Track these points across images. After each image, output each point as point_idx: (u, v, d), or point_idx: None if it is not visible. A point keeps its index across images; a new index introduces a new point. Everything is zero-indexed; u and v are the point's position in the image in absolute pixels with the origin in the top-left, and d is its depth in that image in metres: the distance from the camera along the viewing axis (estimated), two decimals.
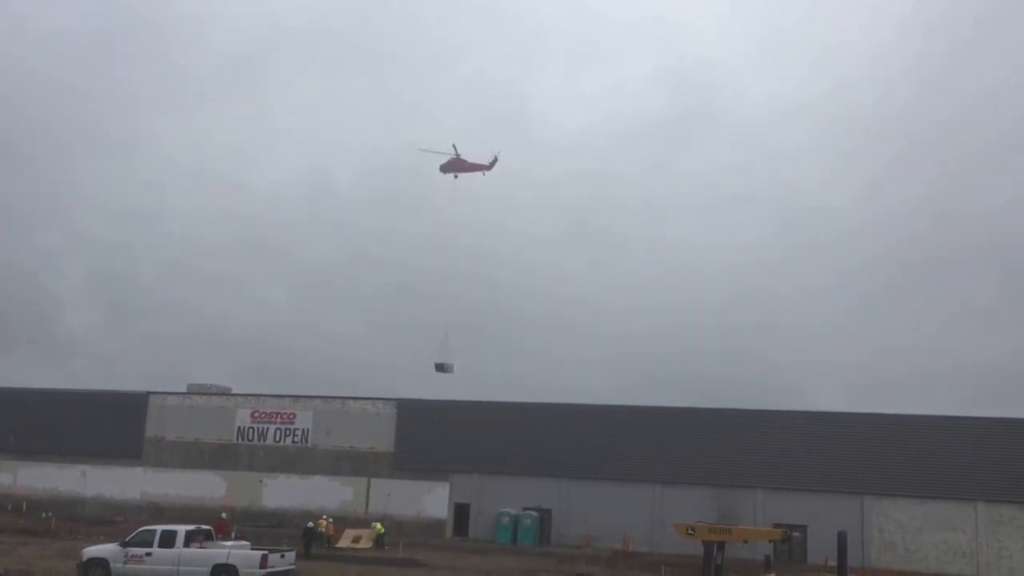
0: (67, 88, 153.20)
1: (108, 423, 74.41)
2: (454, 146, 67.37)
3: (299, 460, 70.75)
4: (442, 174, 69.57)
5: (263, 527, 63.27)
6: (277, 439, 71.61)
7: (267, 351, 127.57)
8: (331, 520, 58.48)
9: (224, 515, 54.10)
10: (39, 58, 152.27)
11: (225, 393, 76.21)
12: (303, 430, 71.24)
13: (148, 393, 75.84)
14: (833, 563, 45.31)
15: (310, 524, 50.48)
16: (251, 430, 72.28)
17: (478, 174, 68.64)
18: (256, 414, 72.47)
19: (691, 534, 26.89)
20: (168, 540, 33.29)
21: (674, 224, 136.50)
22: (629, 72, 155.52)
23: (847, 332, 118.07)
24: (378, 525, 58.79)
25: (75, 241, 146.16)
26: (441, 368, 68.40)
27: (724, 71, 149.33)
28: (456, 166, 68.37)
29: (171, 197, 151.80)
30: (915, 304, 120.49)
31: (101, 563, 33.45)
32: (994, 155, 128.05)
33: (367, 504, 67.78)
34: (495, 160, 67.81)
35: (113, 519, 66.40)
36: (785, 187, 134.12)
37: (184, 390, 77.07)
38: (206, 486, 71.32)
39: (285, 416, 71.80)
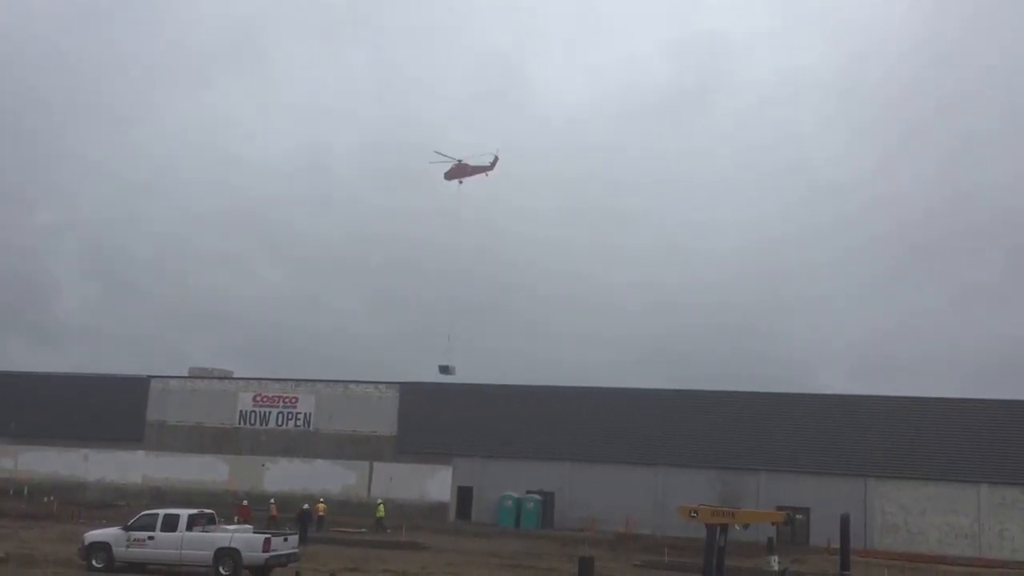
0: (63, 60, 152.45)
1: (109, 407, 74.37)
2: (438, 152, 69.43)
3: (301, 444, 70.75)
4: (446, 181, 71.27)
5: (265, 511, 63.22)
6: (279, 423, 71.62)
7: (268, 331, 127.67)
8: (274, 503, 57.61)
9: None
10: (34, 29, 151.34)
11: (227, 377, 76.20)
12: (305, 414, 71.22)
13: (149, 377, 75.82)
14: (836, 546, 45.27)
15: (305, 506, 50.46)
16: (253, 414, 72.28)
17: (481, 175, 70.09)
18: (258, 398, 72.46)
19: (694, 517, 26.76)
20: (171, 524, 33.13)
21: (679, 202, 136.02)
22: (634, 45, 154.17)
23: (853, 312, 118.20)
24: (380, 508, 58.76)
25: (72, 218, 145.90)
26: (445, 370, 69.77)
27: (732, 44, 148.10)
28: (459, 172, 70.07)
29: (170, 171, 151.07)
30: (922, 284, 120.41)
31: (103, 547, 33.30)
32: (1003, 132, 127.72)
33: (369, 488, 67.83)
34: (495, 160, 69.15)
35: (115, 503, 66.42)
36: (793, 164, 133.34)
37: (185, 373, 77.15)
38: (208, 470, 71.37)
39: (287, 400, 71.80)
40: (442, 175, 70.72)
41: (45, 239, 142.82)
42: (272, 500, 57.08)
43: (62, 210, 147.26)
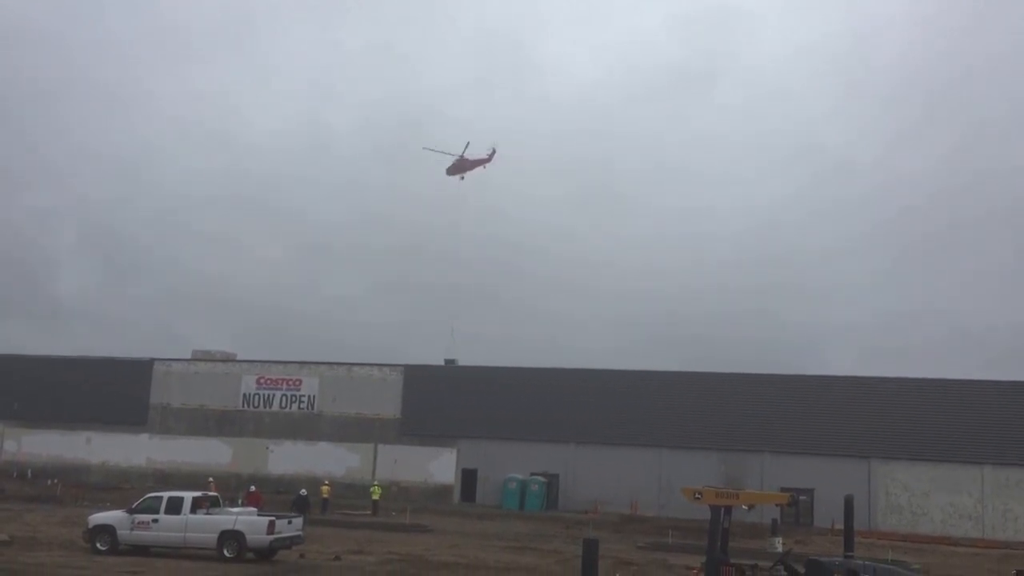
0: (56, 41, 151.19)
1: (113, 390, 74.43)
2: (427, 148, 71.64)
3: (305, 426, 70.79)
4: (448, 176, 73.35)
5: (269, 494, 63.28)
6: (283, 405, 71.65)
7: (270, 313, 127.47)
8: (212, 481, 57.53)
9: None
10: (27, 9, 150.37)
11: (230, 359, 76.17)
12: (309, 396, 71.24)
13: (152, 360, 75.83)
14: (840, 526, 45.24)
15: (303, 492, 50.41)
16: (257, 396, 72.31)
17: (480, 168, 72.10)
18: (262, 380, 72.45)
19: (698, 499, 26.68)
20: (174, 506, 33.09)
21: (685, 184, 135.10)
22: (639, 22, 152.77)
23: (863, 294, 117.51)
24: (375, 490, 58.69)
25: (70, 200, 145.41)
26: (451, 364, 71.15)
27: (741, 20, 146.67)
28: (460, 167, 71.93)
29: (167, 152, 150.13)
30: (932, 268, 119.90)
31: (107, 530, 33.30)
32: (1016, 116, 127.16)
33: (374, 470, 67.86)
34: (493, 152, 71.24)
35: (119, 486, 66.50)
36: (804, 147, 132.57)
37: (187, 355, 77.13)
38: (212, 453, 71.41)
39: (291, 382, 71.81)
40: (440, 163, 72.33)
41: (43, 222, 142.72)
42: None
43: (60, 192, 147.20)
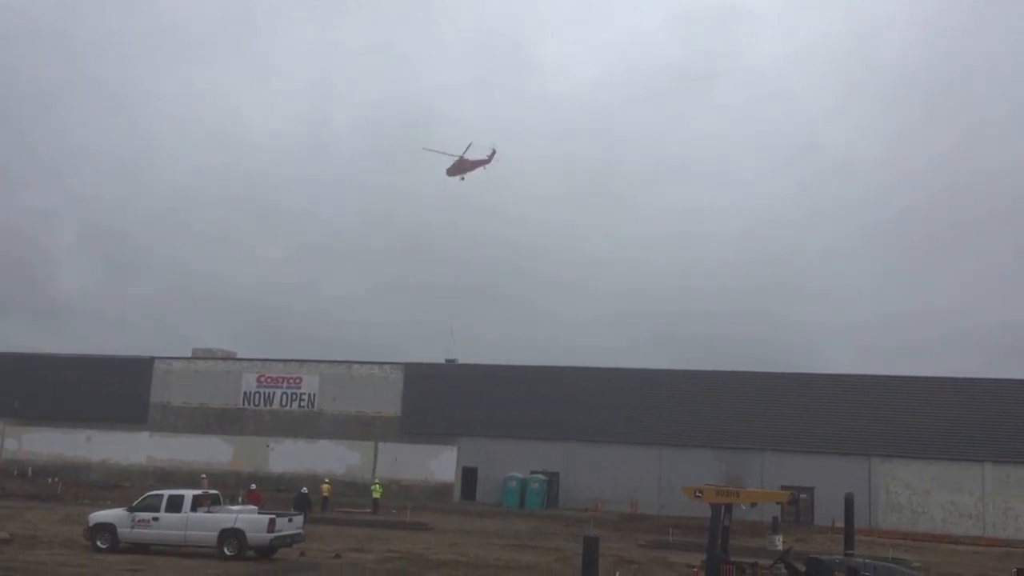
0: (57, 40, 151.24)
1: (113, 388, 74.48)
2: (427, 149, 72.04)
3: (305, 425, 70.79)
4: (448, 177, 72.82)
5: (269, 492, 63.26)
6: (283, 403, 71.65)
7: (270, 312, 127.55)
8: (205, 478, 57.70)
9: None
10: (27, 8, 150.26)
11: (230, 358, 76.15)
12: (309, 394, 71.25)
13: (153, 358, 75.82)
14: (840, 525, 45.26)
15: (304, 490, 50.38)
16: (257, 394, 72.31)
17: (480, 169, 71.63)
18: (262, 378, 72.46)
19: (699, 497, 26.69)
20: (175, 505, 33.07)
21: (686, 183, 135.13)
22: (639, 22, 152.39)
23: (863, 294, 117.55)
24: (376, 488, 58.66)
25: (70, 201, 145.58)
26: (451, 362, 71.44)
27: (741, 19, 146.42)
28: (461, 168, 71.55)
29: (167, 151, 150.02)
30: (933, 267, 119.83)
31: (108, 528, 33.27)
32: (1016, 115, 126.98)
33: (374, 468, 67.87)
34: (493, 153, 70.87)
35: (119, 484, 66.49)
36: (805, 145, 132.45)
37: (188, 353, 77.13)
38: (212, 451, 71.44)
39: (291, 380, 71.80)
40: (440, 163, 72.09)
41: (43, 222, 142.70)
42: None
43: (60, 192, 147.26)
